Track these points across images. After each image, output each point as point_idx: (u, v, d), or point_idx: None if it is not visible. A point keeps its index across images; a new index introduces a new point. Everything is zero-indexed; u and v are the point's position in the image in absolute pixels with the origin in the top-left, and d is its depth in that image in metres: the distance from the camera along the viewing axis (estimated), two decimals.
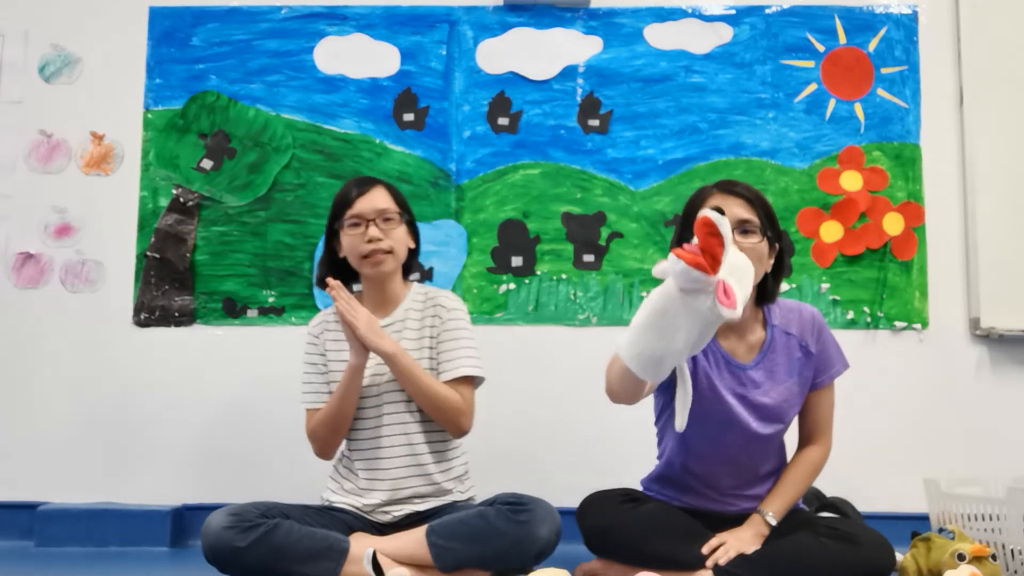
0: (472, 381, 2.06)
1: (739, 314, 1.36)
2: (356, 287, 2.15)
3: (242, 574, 1.83)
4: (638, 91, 2.78)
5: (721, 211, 1.35)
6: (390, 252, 2.03)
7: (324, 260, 2.13)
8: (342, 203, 2.05)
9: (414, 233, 2.13)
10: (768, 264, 1.87)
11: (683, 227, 1.91)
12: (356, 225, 2.02)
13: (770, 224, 1.86)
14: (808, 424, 1.99)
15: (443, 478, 2.05)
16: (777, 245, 1.89)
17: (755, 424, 1.90)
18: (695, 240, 1.35)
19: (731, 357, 1.92)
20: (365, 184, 2.07)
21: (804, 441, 1.99)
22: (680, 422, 1.57)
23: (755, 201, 1.86)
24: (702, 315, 1.37)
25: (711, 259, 1.32)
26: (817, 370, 1.96)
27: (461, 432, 2.05)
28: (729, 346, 1.93)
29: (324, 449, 2.07)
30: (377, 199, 2.05)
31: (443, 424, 2.03)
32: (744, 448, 1.93)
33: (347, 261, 2.08)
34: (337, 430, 2.03)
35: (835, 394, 2.00)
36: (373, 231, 2.01)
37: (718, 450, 1.93)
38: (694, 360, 1.88)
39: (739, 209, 1.83)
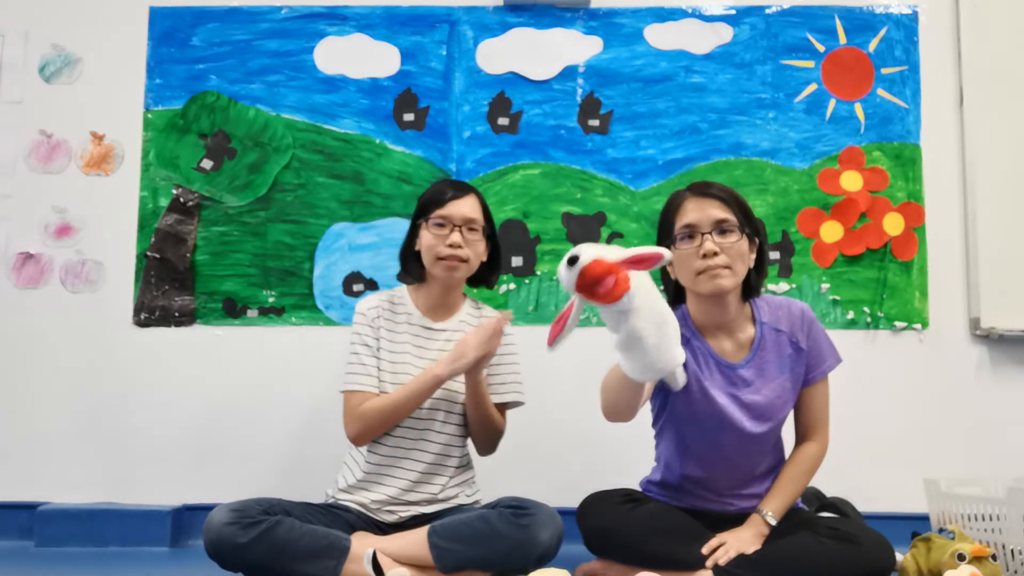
0: (510, 406, 2.15)
1: (580, 260, 1.42)
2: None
3: (243, 570, 1.83)
4: (638, 91, 2.78)
5: (573, 260, 1.43)
6: (466, 261, 2.06)
7: (404, 251, 2.15)
8: (433, 201, 2.07)
9: (493, 246, 2.16)
10: (749, 260, 1.89)
11: (661, 231, 1.95)
12: (441, 226, 2.05)
13: (747, 221, 1.88)
14: (804, 421, 1.99)
15: (454, 485, 2.08)
16: (757, 240, 1.91)
17: (748, 423, 1.91)
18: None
19: (720, 357, 1.93)
20: (460, 189, 2.09)
21: (800, 438, 2.00)
22: (676, 384, 1.71)
23: (730, 200, 1.88)
24: (628, 314, 1.45)
25: (604, 294, 1.41)
26: (809, 366, 1.96)
27: (491, 452, 2.14)
28: (718, 346, 1.93)
29: (365, 435, 2.04)
30: (467, 207, 2.07)
31: (483, 443, 2.12)
32: (739, 448, 1.93)
33: (418, 255, 2.10)
34: (388, 423, 2.03)
35: (829, 389, 2.00)
36: (456, 237, 2.03)
37: (713, 451, 1.93)
38: (684, 362, 1.87)
39: (715, 210, 1.86)
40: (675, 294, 1.99)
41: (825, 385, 1.99)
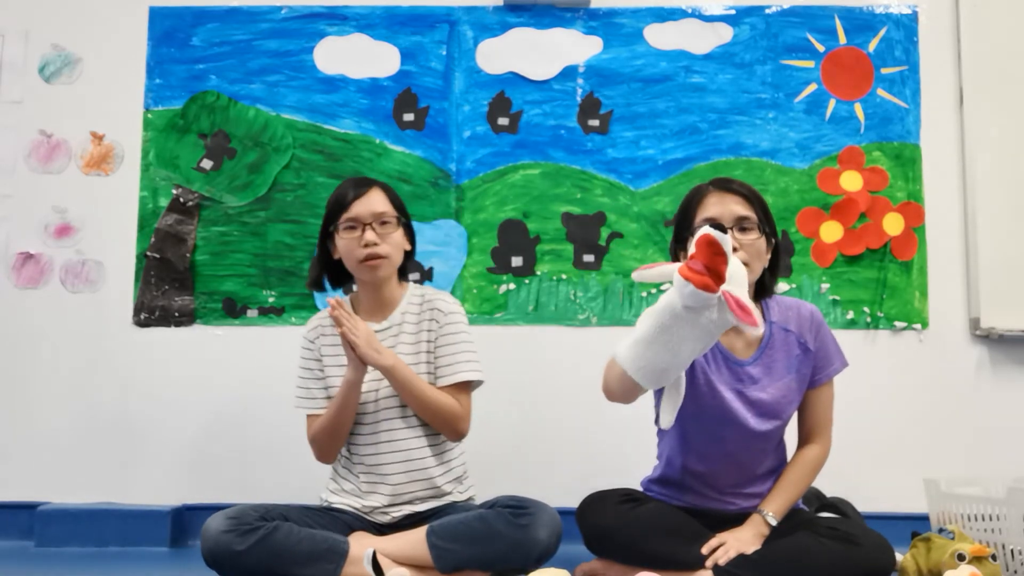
0: (470, 385, 2.06)
1: (762, 329, 1.41)
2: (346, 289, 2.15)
3: None
4: (638, 91, 2.78)
5: (723, 228, 1.40)
6: (386, 257, 2.01)
7: (317, 261, 2.11)
8: (338, 205, 2.02)
9: (410, 235, 2.11)
10: (766, 259, 1.89)
11: (680, 225, 1.94)
12: (352, 228, 2.00)
13: (767, 220, 1.89)
14: (807, 423, 1.99)
15: (443, 480, 2.05)
16: (774, 240, 1.91)
17: (753, 420, 1.91)
18: (692, 254, 1.39)
19: (729, 353, 1.93)
20: (362, 186, 2.04)
21: (803, 440, 2.00)
22: (667, 421, 1.61)
23: (752, 198, 1.88)
24: (707, 328, 1.44)
25: (716, 276, 1.37)
26: (816, 367, 1.96)
27: (458, 437, 2.06)
28: (727, 342, 1.93)
29: (324, 455, 2.07)
30: (375, 202, 2.02)
31: (440, 430, 2.04)
32: (743, 445, 1.93)
33: (341, 263, 2.06)
34: (336, 438, 2.04)
35: (834, 392, 2.01)
36: (370, 235, 1.99)
37: (717, 447, 1.93)
38: None
39: (737, 206, 1.86)
40: None
41: (830, 388, 2.00)
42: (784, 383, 1.93)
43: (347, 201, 2.01)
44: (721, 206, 1.86)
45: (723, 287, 1.39)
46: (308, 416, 2.08)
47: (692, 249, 1.44)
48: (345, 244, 2.02)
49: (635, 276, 1.53)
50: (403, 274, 2.14)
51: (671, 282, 1.49)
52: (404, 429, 2.03)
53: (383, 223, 2.02)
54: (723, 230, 1.49)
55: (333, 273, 2.11)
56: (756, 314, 1.41)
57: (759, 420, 1.91)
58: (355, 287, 2.14)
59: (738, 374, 1.92)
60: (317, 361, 2.08)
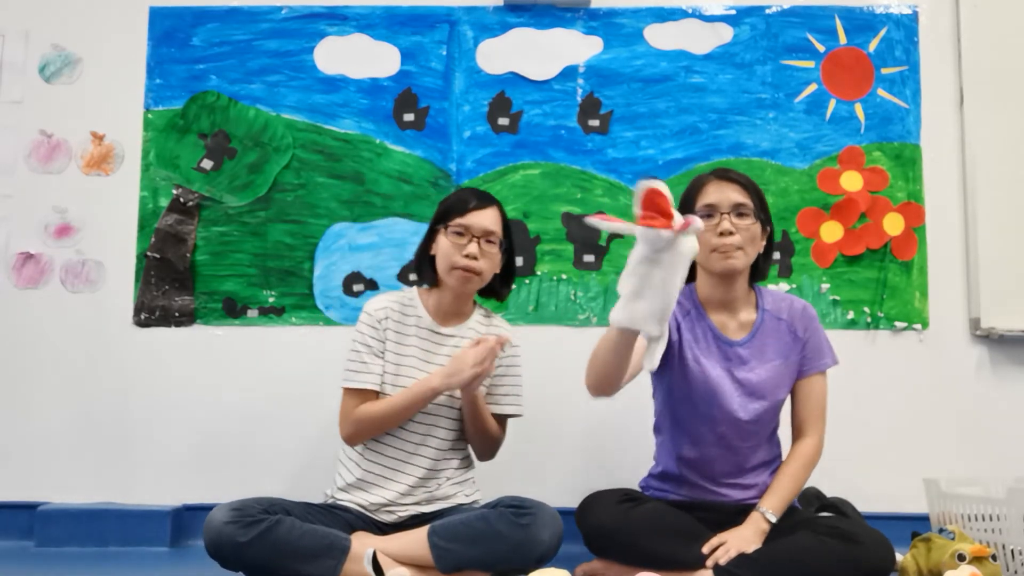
0: (511, 417, 2.16)
1: (699, 224, 1.57)
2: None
3: (243, 569, 1.83)
4: (638, 91, 2.78)
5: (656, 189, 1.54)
6: (479, 274, 2.05)
7: (420, 254, 2.14)
8: (454, 208, 2.06)
9: (508, 261, 2.15)
10: (760, 245, 2.00)
11: (683, 211, 1.96)
12: (460, 235, 2.04)
13: (762, 208, 2.00)
14: (799, 415, 2.03)
15: (454, 489, 2.09)
16: (768, 228, 2.02)
17: (738, 398, 1.97)
18: (641, 206, 1.55)
19: (720, 333, 2.01)
20: (483, 200, 2.08)
21: (796, 434, 2.03)
22: (652, 363, 1.66)
23: (749, 186, 1.99)
24: (678, 260, 1.58)
25: (666, 216, 1.53)
26: (805, 357, 2.02)
27: (490, 458, 2.15)
28: (719, 321, 2.02)
29: (357, 438, 2.05)
30: (488, 219, 2.06)
31: (479, 450, 2.13)
32: (732, 427, 1.97)
33: (433, 260, 2.09)
34: (381, 430, 2.04)
35: (827, 389, 2.04)
36: (473, 248, 2.03)
37: (708, 429, 1.98)
38: (680, 336, 2.00)
39: (735, 194, 1.96)
40: (688, 272, 2.04)
41: (822, 382, 2.04)
42: (772, 366, 2.00)
43: (466, 208, 2.05)
44: (719, 193, 1.97)
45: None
46: (353, 391, 2.05)
47: (639, 205, 1.56)
48: (447, 246, 2.05)
49: (591, 221, 1.63)
50: (489, 293, 2.18)
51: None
52: (435, 438, 2.07)
53: (489, 241, 2.06)
54: (714, 214, 1.88)
55: (421, 267, 2.14)
56: (677, 218, 1.55)
57: (746, 399, 1.98)
58: (433, 285, 2.14)
59: (727, 353, 2.00)
60: (380, 342, 2.08)
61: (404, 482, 2.03)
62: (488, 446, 2.12)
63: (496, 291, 2.18)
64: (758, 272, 2.05)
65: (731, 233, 1.93)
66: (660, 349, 1.66)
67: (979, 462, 2.57)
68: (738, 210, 1.95)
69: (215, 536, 1.81)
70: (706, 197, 1.97)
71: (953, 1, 2.79)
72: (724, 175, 2.00)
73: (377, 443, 2.06)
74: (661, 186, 1.53)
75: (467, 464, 2.16)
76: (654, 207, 1.53)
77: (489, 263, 2.07)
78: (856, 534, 1.81)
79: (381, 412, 2.01)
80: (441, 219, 2.08)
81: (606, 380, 1.81)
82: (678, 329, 2.02)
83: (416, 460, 2.05)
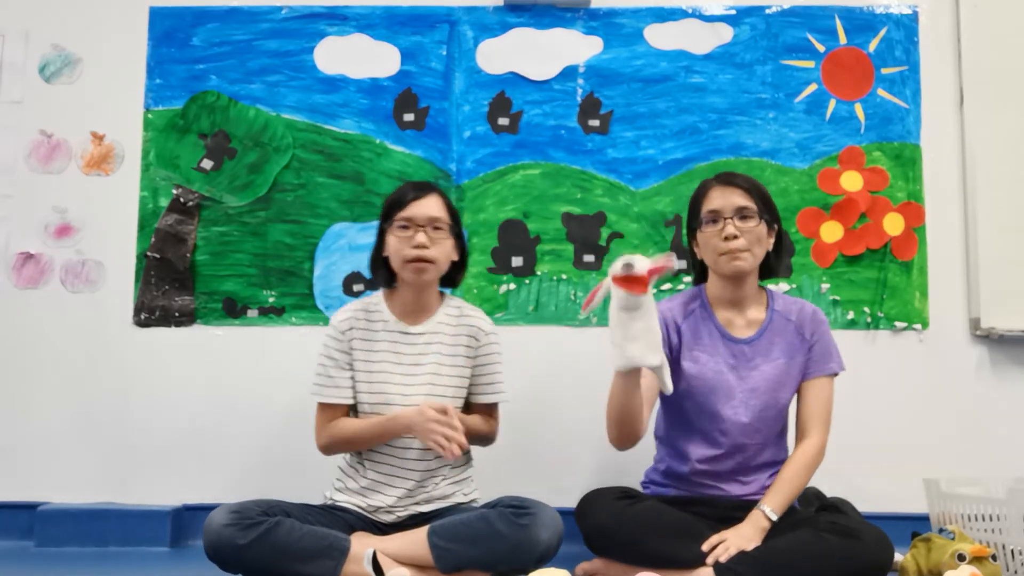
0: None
1: (673, 265, 1.79)
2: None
3: (243, 572, 1.83)
4: (638, 91, 2.78)
5: (630, 265, 1.72)
6: (433, 262, 2.03)
7: (374, 258, 2.13)
8: (395, 204, 2.06)
9: (461, 246, 2.14)
10: (767, 243, 2.04)
11: (690, 216, 2.10)
12: (405, 228, 2.03)
13: (766, 208, 2.03)
14: (803, 416, 2.05)
15: (451, 488, 2.08)
16: (776, 226, 2.06)
17: (741, 394, 2.00)
18: (615, 280, 1.74)
19: (726, 331, 2.05)
20: (421, 189, 2.07)
21: (800, 435, 2.04)
22: (669, 386, 1.81)
23: (751, 189, 2.02)
24: (652, 303, 1.76)
25: (642, 284, 1.72)
26: (811, 359, 2.05)
27: (489, 444, 2.19)
28: (726, 319, 2.06)
29: (331, 451, 2.10)
30: (431, 206, 2.05)
31: (476, 444, 2.15)
32: (735, 424, 1.99)
33: (388, 262, 2.09)
34: (352, 449, 2.08)
35: (833, 393, 2.05)
36: (421, 238, 2.01)
37: (711, 427, 2.00)
38: (680, 339, 2.06)
39: (737, 198, 2.00)
40: (699, 273, 2.15)
41: (827, 385, 2.06)
42: (777, 365, 2.03)
43: (405, 201, 2.04)
44: (722, 198, 2.01)
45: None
46: (325, 405, 2.07)
47: (611, 281, 1.75)
48: (396, 243, 2.04)
49: (585, 311, 1.90)
50: (452, 282, 2.17)
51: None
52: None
53: (436, 228, 2.04)
54: (718, 219, 1.99)
55: (380, 270, 2.13)
56: (639, 265, 1.72)
57: (748, 395, 2.00)
58: (395, 285, 2.14)
59: (733, 351, 2.04)
60: (346, 354, 2.08)
61: (402, 487, 2.03)
62: (480, 441, 2.16)
63: (451, 277, 2.16)
64: (770, 270, 2.09)
65: (736, 237, 1.98)
66: (667, 372, 1.80)
67: (979, 462, 2.57)
68: (741, 213, 1.99)
69: (214, 539, 1.81)
70: (710, 203, 2.02)
71: (953, 1, 2.79)
72: (726, 180, 2.04)
73: (374, 452, 2.07)
74: (640, 266, 1.71)
75: (465, 462, 2.16)
76: (633, 281, 1.72)
77: (440, 250, 2.05)
78: (855, 530, 1.82)
79: (352, 434, 2.04)
80: (385, 218, 2.07)
81: (629, 422, 1.88)
82: (678, 332, 2.06)
83: (413, 464, 2.04)
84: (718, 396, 2.01)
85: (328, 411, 2.07)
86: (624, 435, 1.90)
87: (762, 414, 2.01)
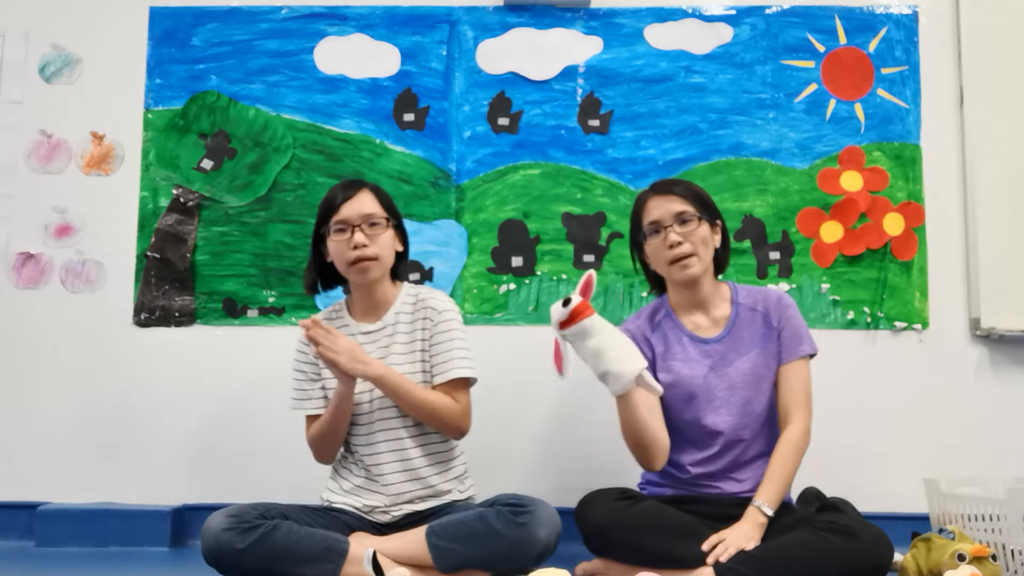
0: (467, 382, 2.06)
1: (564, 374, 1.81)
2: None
3: (242, 575, 1.83)
4: (638, 91, 2.78)
5: (568, 300, 1.78)
6: (375, 259, 2.02)
7: (311, 266, 2.12)
8: (328, 208, 2.04)
9: (402, 236, 2.12)
10: (713, 241, 2.07)
11: (633, 229, 2.13)
12: (342, 231, 2.01)
13: (705, 208, 2.06)
14: (782, 403, 2.05)
15: (440, 480, 2.06)
16: (719, 223, 2.10)
17: (721, 392, 2.02)
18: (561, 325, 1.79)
19: (693, 333, 2.08)
20: (350, 188, 2.05)
21: (782, 423, 2.05)
22: (654, 388, 1.83)
23: (686, 193, 2.06)
24: (594, 329, 1.78)
25: (585, 310, 1.78)
26: (783, 344, 2.06)
27: (460, 434, 2.07)
28: (692, 323, 2.09)
29: (322, 457, 2.10)
30: (363, 203, 2.03)
31: (440, 429, 2.04)
32: (721, 423, 2.01)
33: (334, 265, 2.07)
34: (332, 443, 2.06)
35: (809, 375, 2.06)
36: (359, 237, 2.00)
37: (697, 429, 2.02)
38: (652, 351, 2.09)
39: (673, 204, 2.04)
40: (655, 283, 2.18)
41: (803, 367, 2.06)
42: (750, 357, 2.05)
43: (336, 204, 2.02)
44: (659, 208, 2.05)
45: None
46: (307, 417, 2.09)
47: (559, 331, 1.80)
48: (335, 247, 2.03)
49: (564, 374, 1.82)
50: (397, 275, 2.14)
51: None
52: (400, 429, 2.04)
53: (372, 224, 2.02)
54: (660, 229, 2.03)
55: (326, 276, 2.12)
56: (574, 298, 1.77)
57: (730, 393, 2.02)
58: (347, 292, 2.15)
59: (704, 351, 2.06)
60: (312, 364, 2.09)
61: (390, 480, 2.02)
62: (440, 420, 2.01)
63: (395, 271, 2.12)
64: (719, 265, 2.13)
65: (680, 243, 2.01)
66: (647, 374, 1.83)
67: (979, 462, 2.57)
68: (680, 218, 2.02)
69: (212, 543, 1.80)
70: (649, 215, 2.06)
71: (953, 1, 2.79)
72: (659, 189, 2.07)
73: (349, 452, 2.08)
74: (574, 298, 1.77)
75: (453, 455, 2.10)
76: (569, 319, 1.77)
77: (380, 245, 2.02)
78: (854, 529, 1.82)
79: (321, 428, 2.03)
80: (320, 224, 2.06)
81: (651, 440, 1.91)
82: (649, 345, 2.09)
83: (388, 456, 2.03)
84: (699, 400, 2.03)
85: (310, 421, 2.08)
86: (651, 454, 1.93)
87: (745, 409, 2.03)
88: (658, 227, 2.04)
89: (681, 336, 2.08)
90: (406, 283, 2.16)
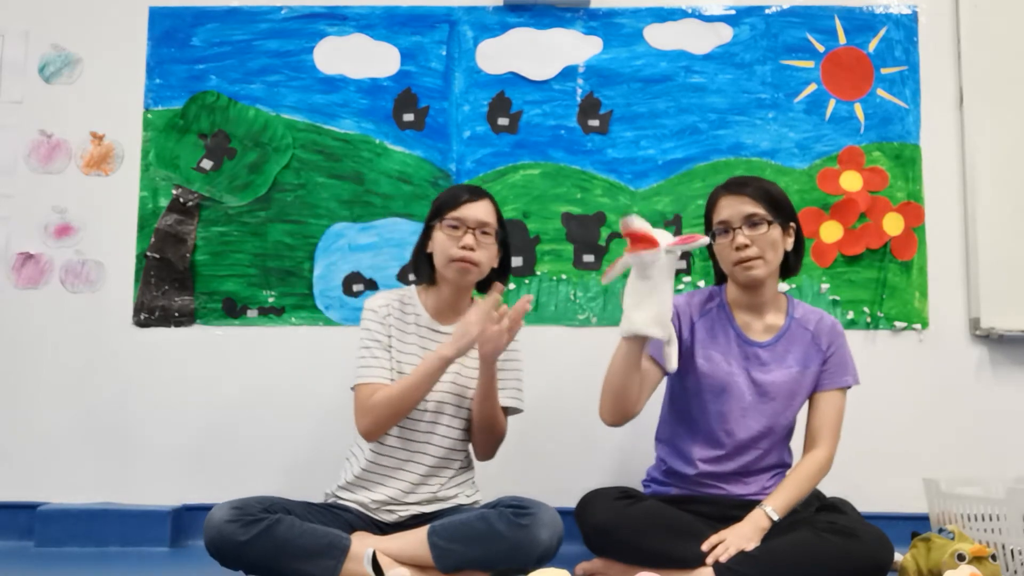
0: (510, 411, 2.12)
1: (703, 240, 1.83)
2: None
3: (243, 568, 1.83)
4: (638, 91, 2.78)
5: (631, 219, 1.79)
6: (477, 264, 2.04)
7: (417, 252, 2.14)
8: (447, 203, 2.06)
9: (504, 254, 2.15)
10: (783, 244, 2.03)
11: (706, 227, 2.09)
12: (455, 228, 2.04)
13: (777, 211, 2.01)
14: (813, 427, 2.05)
15: (454, 486, 2.08)
16: (792, 226, 2.05)
17: (750, 397, 2.01)
18: (628, 242, 1.81)
19: (743, 333, 2.05)
20: (475, 193, 2.08)
21: (808, 445, 2.04)
22: (673, 363, 1.86)
23: (759, 194, 2.01)
24: (664, 272, 1.81)
25: (645, 242, 1.79)
26: (826, 371, 2.04)
27: (490, 457, 2.12)
28: (744, 322, 2.06)
29: (377, 428, 2.01)
30: (482, 211, 2.06)
31: (483, 444, 2.09)
32: (743, 426, 2.00)
33: (431, 258, 2.09)
34: (398, 413, 2.00)
35: (844, 408, 2.06)
36: (469, 239, 2.02)
37: (718, 426, 2.01)
38: (692, 336, 2.07)
39: (745, 205, 1.99)
40: (719, 274, 2.15)
41: (840, 399, 2.07)
42: (790, 372, 2.03)
43: (459, 201, 2.05)
44: (730, 208, 2.01)
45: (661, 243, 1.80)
46: (366, 386, 2.02)
47: (627, 241, 1.82)
48: (443, 240, 2.05)
49: (605, 280, 1.88)
50: (486, 287, 2.15)
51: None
52: (445, 437, 2.06)
53: (484, 233, 2.06)
54: (729, 230, 2.00)
55: (418, 265, 2.13)
56: (657, 235, 1.79)
57: (758, 399, 2.01)
58: (434, 282, 2.13)
59: (747, 353, 2.04)
60: (388, 336, 2.08)
61: (407, 479, 2.03)
62: (493, 438, 2.08)
63: (487, 282, 2.15)
64: (788, 268, 2.09)
65: (747, 246, 1.97)
66: (674, 350, 1.84)
67: (979, 462, 2.57)
68: (751, 221, 1.98)
69: (215, 535, 1.81)
70: (720, 214, 2.03)
71: (953, 1, 2.79)
72: (733, 188, 2.03)
73: (384, 436, 2.06)
74: (636, 222, 1.78)
75: (467, 464, 2.16)
76: (635, 238, 1.78)
77: (486, 254, 2.06)
78: (855, 529, 1.82)
79: (395, 393, 1.98)
80: (436, 215, 2.08)
81: (623, 396, 1.90)
82: (691, 329, 2.06)
83: (419, 457, 2.04)
84: (728, 397, 2.01)
85: (369, 391, 2.01)
86: (616, 408, 1.92)
87: (771, 420, 2.01)
88: (727, 227, 2.01)
89: (729, 330, 2.06)
90: (477, 299, 2.17)
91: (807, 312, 2.09)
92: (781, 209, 2.02)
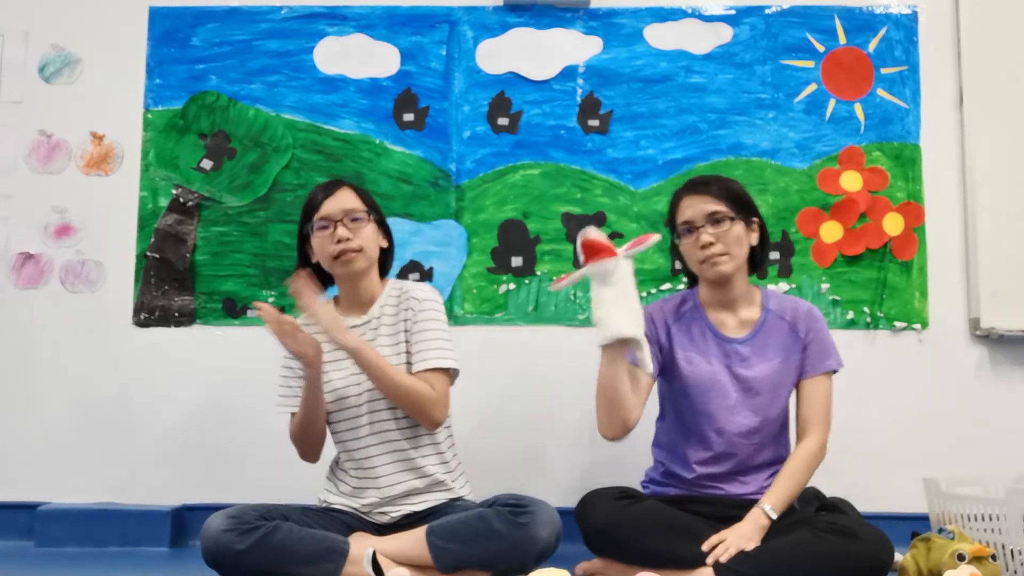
0: (446, 372, 2.05)
1: (655, 239, 1.88)
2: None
3: None
4: (638, 91, 2.78)
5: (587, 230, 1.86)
6: (359, 251, 2.03)
7: (298, 267, 2.12)
8: (309, 207, 2.06)
9: (385, 232, 2.13)
10: (748, 239, 2.03)
11: (670, 228, 2.11)
12: (325, 227, 2.03)
13: (739, 207, 2.02)
14: (802, 416, 2.05)
15: (434, 469, 2.04)
16: (755, 221, 2.06)
17: (736, 394, 2.01)
18: (583, 253, 1.86)
19: (719, 331, 2.06)
20: (331, 186, 2.08)
21: (799, 435, 2.04)
22: (651, 366, 1.87)
23: (721, 192, 2.02)
24: (624, 275, 1.85)
25: (598, 251, 1.84)
26: (807, 358, 2.05)
27: (434, 424, 2.02)
28: (718, 320, 2.07)
29: (305, 454, 2.10)
30: (344, 200, 2.05)
31: (415, 416, 2.02)
32: (733, 424, 2.00)
33: (321, 266, 2.08)
34: (312, 437, 2.06)
35: (832, 390, 2.05)
36: (341, 231, 2.02)
37: (708, 427, 2.01)
38: (670, 340, 2.08)
39: (706, 204, 2.00)
40: (691, 276, 2.16)
41: (826, 383, 2.06)
42: (772, 365, 2.03)
43: (317, 202, 2.05)
44: (692, 208, 2.02)
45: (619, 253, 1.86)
46: (292, 415, 2.09)
47: (580, 253, 1.86)
48: (319, 243, 2.04)
49: (554, 287, 1.96)
50: (384, 271, 2.15)
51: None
52: (390, 421, 2.04)
53: (354, 219, 2.04)
54: (692, 229, 2.01)
55: (315, 277, 2.11)
56: (614, 243, 1.85)
57: (744, 395, 2.01)
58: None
59: (727, 350, 2.04)
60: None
61: (380, 474, 2.02)
62: (415, 405, 1.98)
63: (383, 264, 2.14)
64: (757, 264, 2.09)
65: (711, 244, 1.98)
66: (646, 353, 1.86)
67: (979, 462, 2.57)
68: (713, 218, 1.99)
69: (212, 545, 1.80)
70: (683, 214, 2.04)
71: (953, 1, 2.79)
72: (694, 188, 2.04)
73: (340, 451, 2.09)
74: (592, 232, 1.84)
75: (436, 440, 2.08)
76: (593, 249, 1.83)
77: (364, 237, 2.04)
78: (855, 530, 1.82)
79: (298, 422, 2.05)
80: (304, 224, 2.08)
81: (618, 406, 1.90)
82: (668, 333, 2.08)
83: (380, 449, 2.03)
84: (713, 396, 2.01)
85: (292, 422, 2.09)
86: (613, 421, 1.92)
87: (759, 414, 2.01)
88: (690, 227, 2.02)
89: (705, 329, 2.06)
90: (393, 279, 2.17)
91: (782, 302, 2.09)
92: (743, 205, 2.03)
